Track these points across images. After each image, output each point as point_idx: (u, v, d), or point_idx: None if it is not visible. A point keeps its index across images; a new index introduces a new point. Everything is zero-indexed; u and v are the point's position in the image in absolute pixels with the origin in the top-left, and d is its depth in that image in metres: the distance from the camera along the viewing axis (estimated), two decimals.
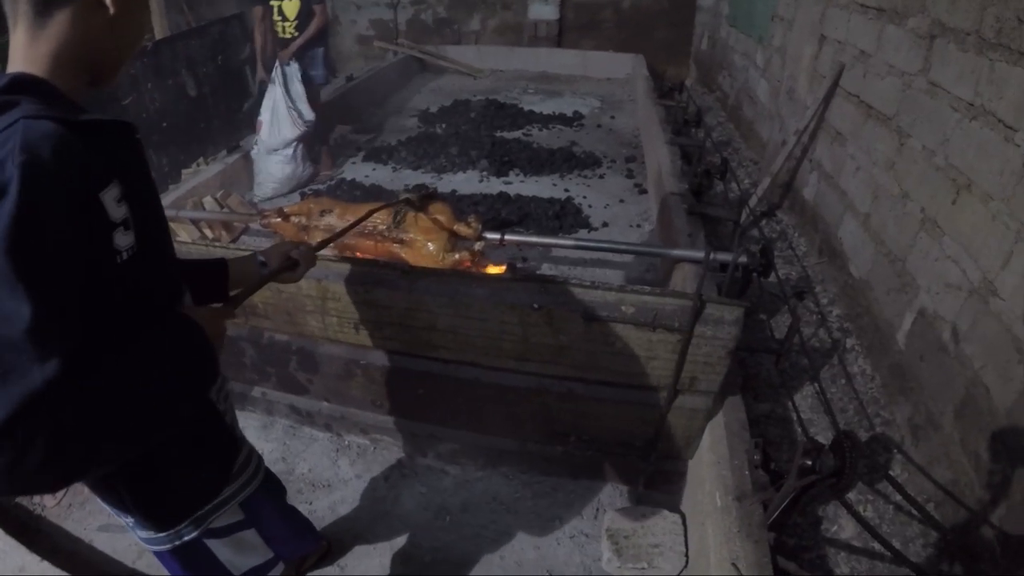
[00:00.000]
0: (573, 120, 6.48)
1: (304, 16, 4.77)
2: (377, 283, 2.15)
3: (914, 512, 2.18)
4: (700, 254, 2.68)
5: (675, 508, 2.34)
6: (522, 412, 2.32)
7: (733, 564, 1.68)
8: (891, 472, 2.39)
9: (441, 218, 2.92)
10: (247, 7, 5.75)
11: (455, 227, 2.93)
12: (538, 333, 2.08)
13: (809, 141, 4.21)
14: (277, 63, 4.59)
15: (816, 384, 2.78)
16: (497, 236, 3.01)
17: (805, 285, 3.60)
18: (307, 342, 2.42)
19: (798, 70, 4.56)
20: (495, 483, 2.49)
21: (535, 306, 2.01)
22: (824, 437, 2.48)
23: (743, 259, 2.66)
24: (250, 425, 2.76)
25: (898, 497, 2.21)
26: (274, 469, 1.69)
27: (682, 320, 1.93)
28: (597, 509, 2.39)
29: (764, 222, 4.36)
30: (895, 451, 2.52)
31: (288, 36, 4.80)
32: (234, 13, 6.75)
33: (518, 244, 3.23)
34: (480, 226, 2.95)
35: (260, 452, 1.58)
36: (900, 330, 2.80)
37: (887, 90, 3.21)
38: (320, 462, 2.61)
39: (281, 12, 4.75)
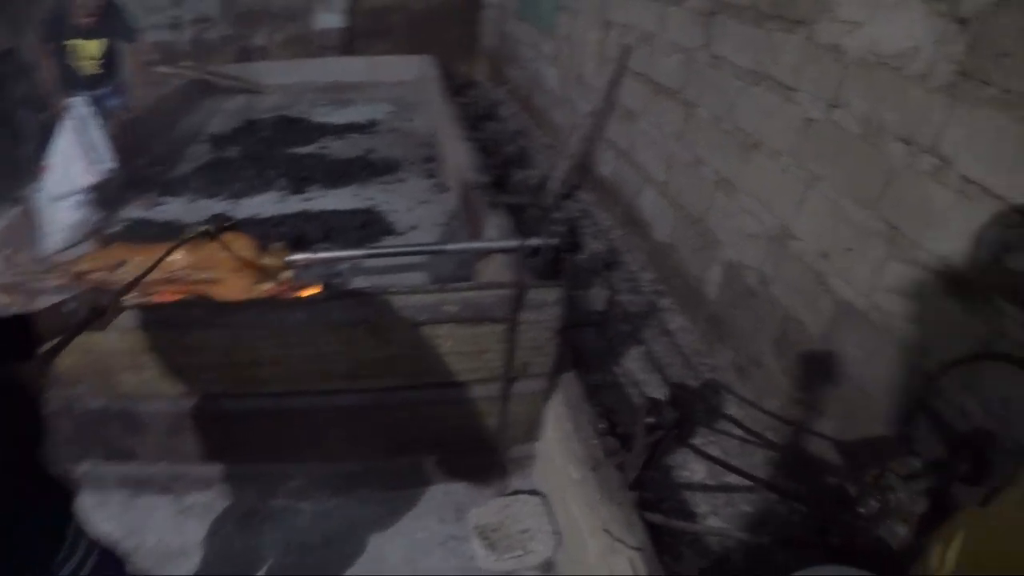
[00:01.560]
0: (367, 127, 6.38)
1: (111, 54, 4.43)
2: (189, 325, 2.00)
3: (755, 441, 2.33)
4: (511, 243, 2.72)
5: (534, 491, 2.37)
6: (364, 431, 2.26)
7: (605, 531, 1.71)
8: (727, 411, 2.55)
9: (245, 253, 2.76)
10: (28, 42, 5.21)
11: (261, 259, 2.78)
12: (365, 348, 2.03)
13: (602, 121, 4.38)
14: (71, 102, 4.16)
15: (642, 346, 2.90)
16: (304, 257, 2.89)
17: (614, 256, 3.76)
18: (127, 402, 2.18)
19: (586, 56, 4.74)
20: (352, 509, 2.39)
21: (360, 321, 1.95)
22: (660, 393, 2.59)
23: (553, 241, 2.73)
24: (80, 506, 2.46)
25: (739, 431, 2.35)
26: (119, 550, 1.50)
27: (506, 309, 1.95)
28: (459, 510, 2.36)
29: (567, 203, 4.50)
30: (726, 392, 2.71)
31: (92, 73, 4.42)
32: (5, 48, 6.03)
33: (327, 262, 3.13)
34: (286, 252, 2.83)
35: (97, 535, 1.40)
36: (709, 283, 3.00)
37: (673, 66, 3.41)
38: (166, 530, 2.36)
39: (81, 50, 4.35)
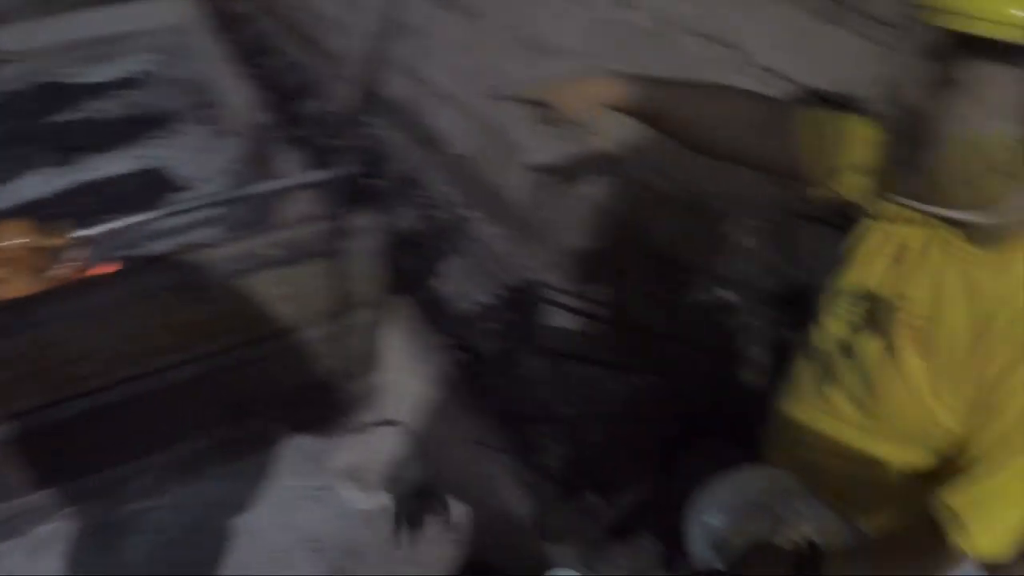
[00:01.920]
0: (132, 82, 5.84)
1: None
2: None
3: (596, 328, 2.45)
4: (313, 176, 2.64)
5: (387, 421, 2.36)
6: (201, 405, 2.14)
7: (475, 442, 1.75)
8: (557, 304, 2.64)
9: (21, 241, 2.48)
10: None
11: (43, 244, 2.51)
12: (182, 315, 1.90)
13: (385, 42, 4.25)
14: None
15: (460, 259, 2.96)
16: (92, 232, 2.65)
17: (415, 176, 3.74)
18: None
19: None
20: (209, 490, 2.28)
21: (171, 287, 1.83)
22: (492, 300, 2.67)
23: (355, 168, 2.67)
24: None
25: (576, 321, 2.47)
26: None
27: (324, 242, 1.90)
28: (317, 460, 2.32)
29: (358, 130, 4.38)
30: (552, 289, 2.75)
31: None
32: None
33: (118, 232, 2.88)
34: (70, 231, 2.57)
35: None
36: (514, 189, 3.06)
37: None
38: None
39: None
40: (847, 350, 1.18)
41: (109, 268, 2.66)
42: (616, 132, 2.38)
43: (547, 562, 1.74)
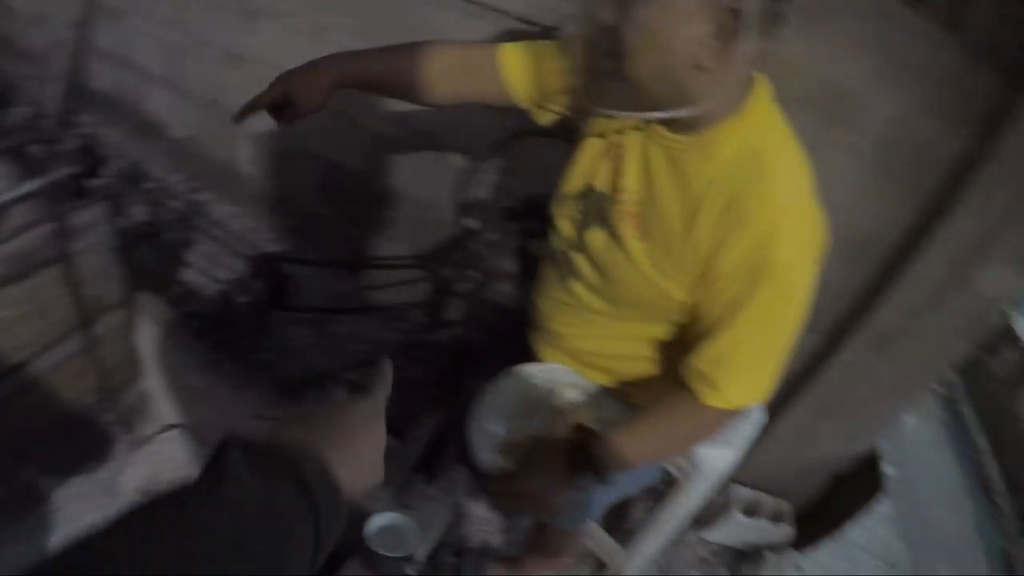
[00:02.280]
0: None
1: None
2: None
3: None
4: (30, 186, 2.44)
5: (171, 425, 2.29)
6: None
7: (257, 416, 1.73)
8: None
9: None
10: None
11: None
12: None
13: (86, 31, 3.96)
14: None
15: (199, 244, 2.90)
16: None
17: (137, 169, 3.54)
18: None
19: None
20: (6, 555, 1.98)
21: None
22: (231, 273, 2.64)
23: (72, 170, 2.53)
24: None
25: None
26: None
27: (52, 246, 1.81)
28: (108, 492, 2.19)
29: (68, 130, 4.06)
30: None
31: None
32: None
33: None
34: None
35: None
36: (242, 162, 3.02)
37: None
38: None
39: None
40: (579, 245, 1.28)
41: None
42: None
43: (356, 511, 1.76)
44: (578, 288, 1.32)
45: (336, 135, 2.52)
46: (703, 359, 1.12)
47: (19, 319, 1.84)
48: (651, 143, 1.14)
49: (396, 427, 2.03)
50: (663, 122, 1.08)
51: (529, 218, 1.99)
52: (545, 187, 2.01)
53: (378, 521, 1.60)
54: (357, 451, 0.66)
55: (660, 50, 0.95)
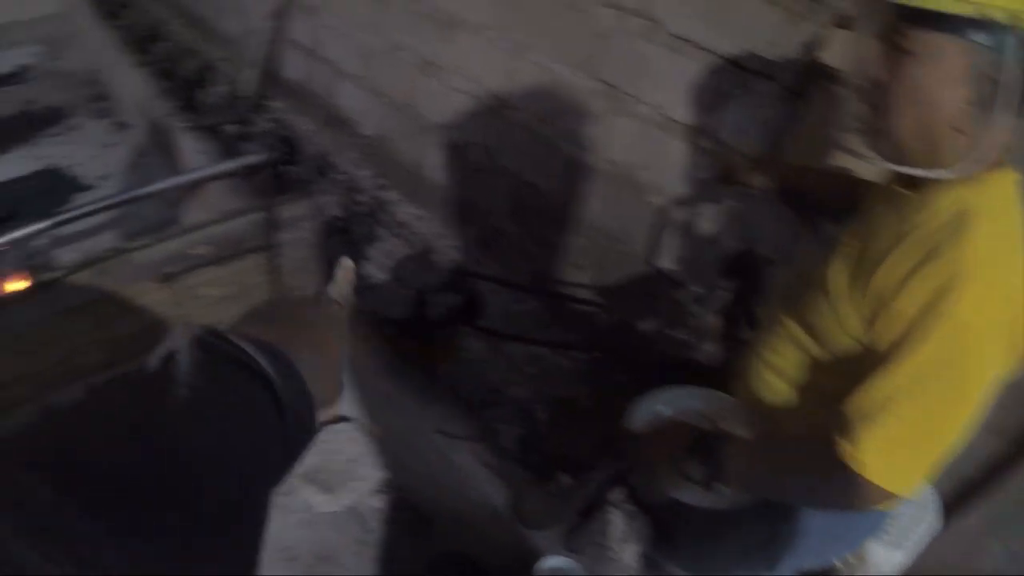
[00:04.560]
0: (16, 76, 5.51)
1: None
2: None
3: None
4: (230, 165, 2.56)
5: (340, 418, 2.29)
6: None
7: (439, 432, 1.72)
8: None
9: None
10: None
11: None
12: (109, 328, 1.80)
13: (282, 23, 4.13)
14: None
15: (382, 243, 2.93)
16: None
17: (325, 160, 3.63)
18: None
19: None
20: None
21: (99, 297, 1.74)
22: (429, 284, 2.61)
23: (271, 155, 2.61)
24: None
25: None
26: None
27: (261, 235, 1.85)
28: None
29: (260, 115, 4.25)
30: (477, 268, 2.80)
31: None
32: None
33: (19, 242, 2.72)
34: None
35: None
36: (431, 168, 3.05)
37: None
38: None
39: None
40: (796, 286, 1.28)
41: (16, 283, 2.49)
42: (539, 106, 2.41)
43: (527, 548, 1.76)
44: (785, 349, 1.30)
45: (530, 154, 2.50)
46: (853, 404, 1.07)
47: (220, 299, 1.90)
48: (883, 192, 1.19)
49: (568, 466, 1.97)
50: (902, 177, 1.12)
51: (743, 276, 1.88)
52: (749, 244, 1.91)
53: (549, 563, 1.59)
54: (324, 355, 0.62)
55: (923, 107, 1.01)
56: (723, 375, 1.51)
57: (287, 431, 0.50)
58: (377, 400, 2.03)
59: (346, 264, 0.74)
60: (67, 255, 3.14)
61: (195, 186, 2.70)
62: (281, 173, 2.71)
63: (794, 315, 1.27)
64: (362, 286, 2.67)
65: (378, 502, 2.16)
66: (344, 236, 2.66)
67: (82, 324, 1.77)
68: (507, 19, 2.45)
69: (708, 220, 2.02)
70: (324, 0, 3.63)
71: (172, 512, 0.39)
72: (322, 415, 0.62)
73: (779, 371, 1.32)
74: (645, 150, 2.14)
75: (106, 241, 3.16)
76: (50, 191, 3.61)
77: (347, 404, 2.23)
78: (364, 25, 3.28)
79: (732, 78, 1.85)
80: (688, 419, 1.37)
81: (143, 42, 4.74)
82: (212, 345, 0.48)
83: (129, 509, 0.37)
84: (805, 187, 1.54)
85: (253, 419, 0.48)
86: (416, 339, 1.97)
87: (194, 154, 2.86)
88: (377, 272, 2.75)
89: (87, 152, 4.06)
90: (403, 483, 2.15)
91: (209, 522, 0.41)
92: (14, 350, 1.71)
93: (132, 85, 3.93)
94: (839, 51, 1.57)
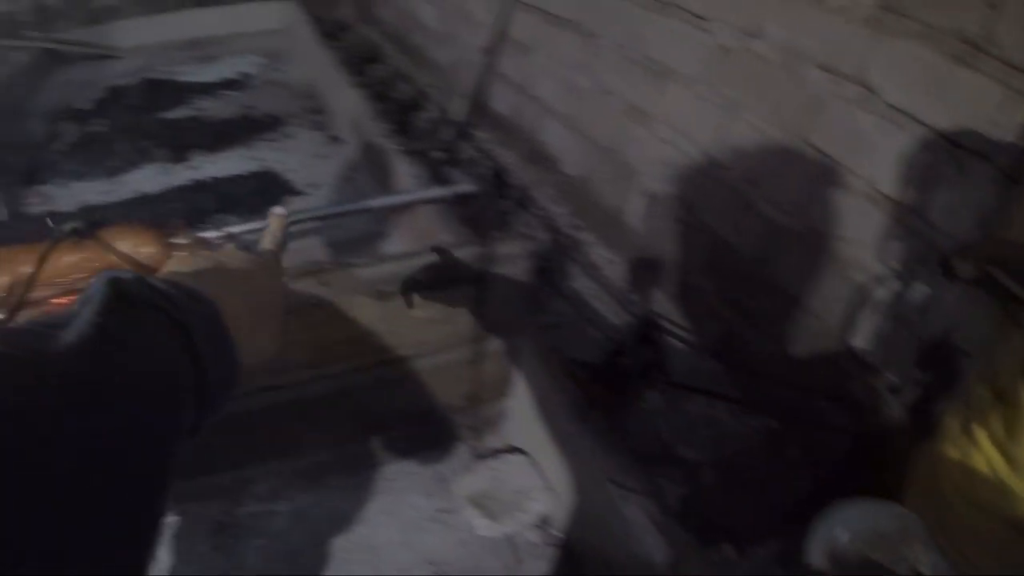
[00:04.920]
0: (240, 83, 5.99)
1: None
2: None
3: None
4: (440, 191, 2.63)
5: (514, 448, 2.33)
6: (330, 418, 2.14)
7: (611, 481, 1.72)
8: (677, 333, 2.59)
9: (145, 249, 2.52)
10: None
11: (167, 248, 2.55)
12: (326, 330, 1.90)
13: (493, 57, 4.28)
14: None
15: (572, 282, 2.92)
16: (216, 234, 2.70)
17: (524, 194, 3.68)
18: None
19: None
20: (330, 500, 2.26)
21: (320, 302, 1.84)
22: (618, 330, 2.61)
23: (482, 186, 2.67)
24: None
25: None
26: None
27: (475, 267, 1.89)
28: (442, 481, 2.30)
29: (465, 144, 4.40)
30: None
31: None
32: None
33: (245, 235, 2.92)
34: (191, 233, 2.61)
35: None
36: (630, 214, 3.02)
37: None
38: None
39: None
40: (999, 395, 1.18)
41: None
42: (746, 165, 2.36)
43: None
44: (980, 435, 1.21)
45: (732, 213, 2.44)
46: None
47: (432, 322, 1.98)
48: None
49: (732, 537, 1.88)
50: None
51: (939, 368, 1.77)
52: (948, 333, 1.77)
53: None
54: (259, 307, 0.61)
55: None
56: (902, 475, 1.43)
57: (200, 377, 0.50)
58: (553, 435, 2.03)
59: (278, 211, 0.76)
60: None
61: (407, 207, 2.79)
62: (488, 205, 2.77)
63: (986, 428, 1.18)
64: (551, 322, 2.70)
65: (536, 536, 2.15)
66: (542, 272, 2.67)
67: (297, 325, 1.86)
68: (717, 75, 2.41)
69: (909, 304, 1.89)
70: (536, 39, 3.72)
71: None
72: (258, 363, 0.62)
73: (964, 491, 1.24)
74: (851, 222, 2.03)
75: (310, 246, 3.33)
76: (263, 191, 3.87)
77: (522, 436, 2.25)
78: (574, 67, 3.33)
79: (947, 156, 1.74)
80: (870, 550, 1.25)
81: (359, 63, 5.03)
82: (128, 289, 0.48)
83: None
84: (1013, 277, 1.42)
85: (164, 364, 0.48)
86: (608, 386, 1.95)
87: (407, 177, 2.97)
88: (567, 309, 2.76)
89: (300, 160, 4.32)
90: (565, 524, 2.12)
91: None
92: None
93: (347, 102, 4.16)
94: None
